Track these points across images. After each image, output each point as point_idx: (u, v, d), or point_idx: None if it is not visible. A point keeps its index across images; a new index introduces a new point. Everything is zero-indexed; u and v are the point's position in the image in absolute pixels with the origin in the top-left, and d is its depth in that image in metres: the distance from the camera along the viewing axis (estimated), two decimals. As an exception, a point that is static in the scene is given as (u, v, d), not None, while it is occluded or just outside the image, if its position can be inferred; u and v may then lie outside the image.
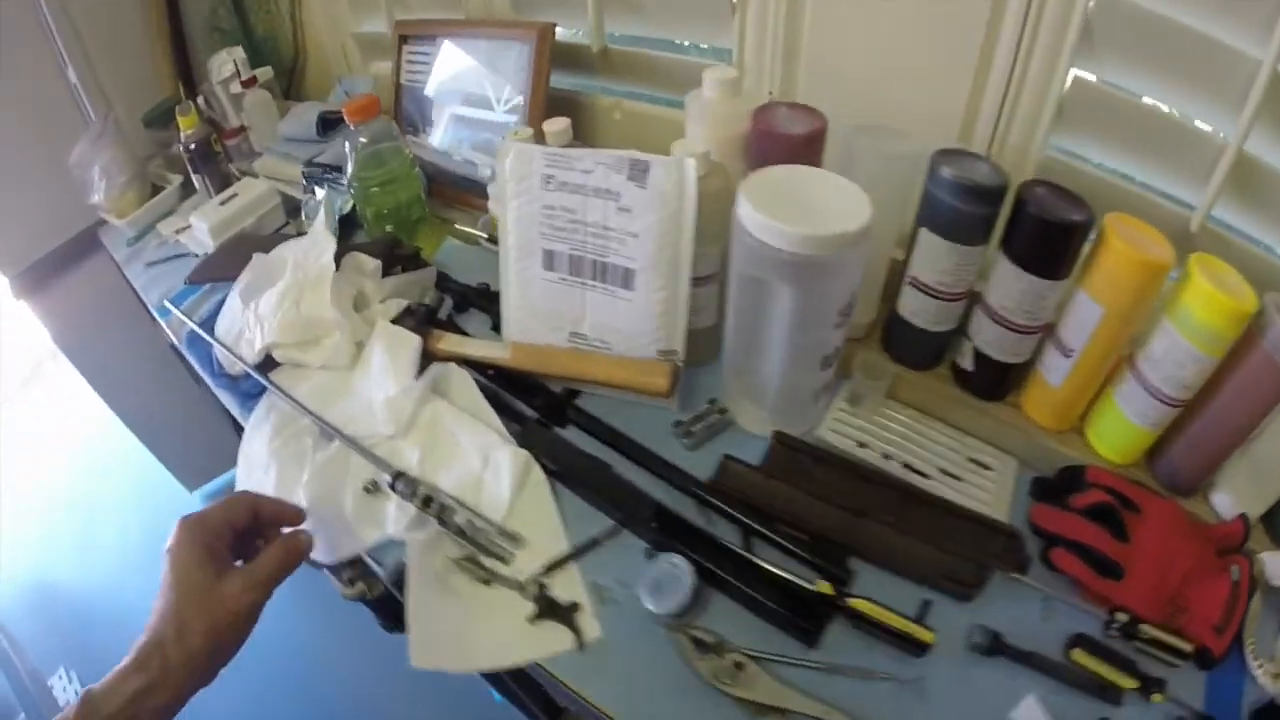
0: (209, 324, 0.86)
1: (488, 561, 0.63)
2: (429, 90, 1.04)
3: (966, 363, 0.69)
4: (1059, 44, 0.63)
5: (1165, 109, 0.64)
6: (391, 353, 0.75)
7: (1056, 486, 0.65)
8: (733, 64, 0.82)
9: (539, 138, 0.79)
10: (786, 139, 0.64)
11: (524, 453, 0.67)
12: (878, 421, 0.70)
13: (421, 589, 0.60)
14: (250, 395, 0.81)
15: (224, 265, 0.90)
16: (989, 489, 0.66)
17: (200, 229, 0.97)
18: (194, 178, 1.05)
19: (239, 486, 0.76)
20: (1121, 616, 0.57)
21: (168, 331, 0.92)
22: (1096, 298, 0.60)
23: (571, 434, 0.72)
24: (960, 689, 0.55)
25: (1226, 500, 0.62)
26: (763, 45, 0.78)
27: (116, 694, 0.47)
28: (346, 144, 0.85)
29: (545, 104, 0.89)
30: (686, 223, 0.63)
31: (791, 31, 0.76)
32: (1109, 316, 0.59)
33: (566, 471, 0.67)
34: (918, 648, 0.56)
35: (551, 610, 0.59)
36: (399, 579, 0.64)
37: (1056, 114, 0.66)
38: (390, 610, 0.92)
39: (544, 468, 0.68)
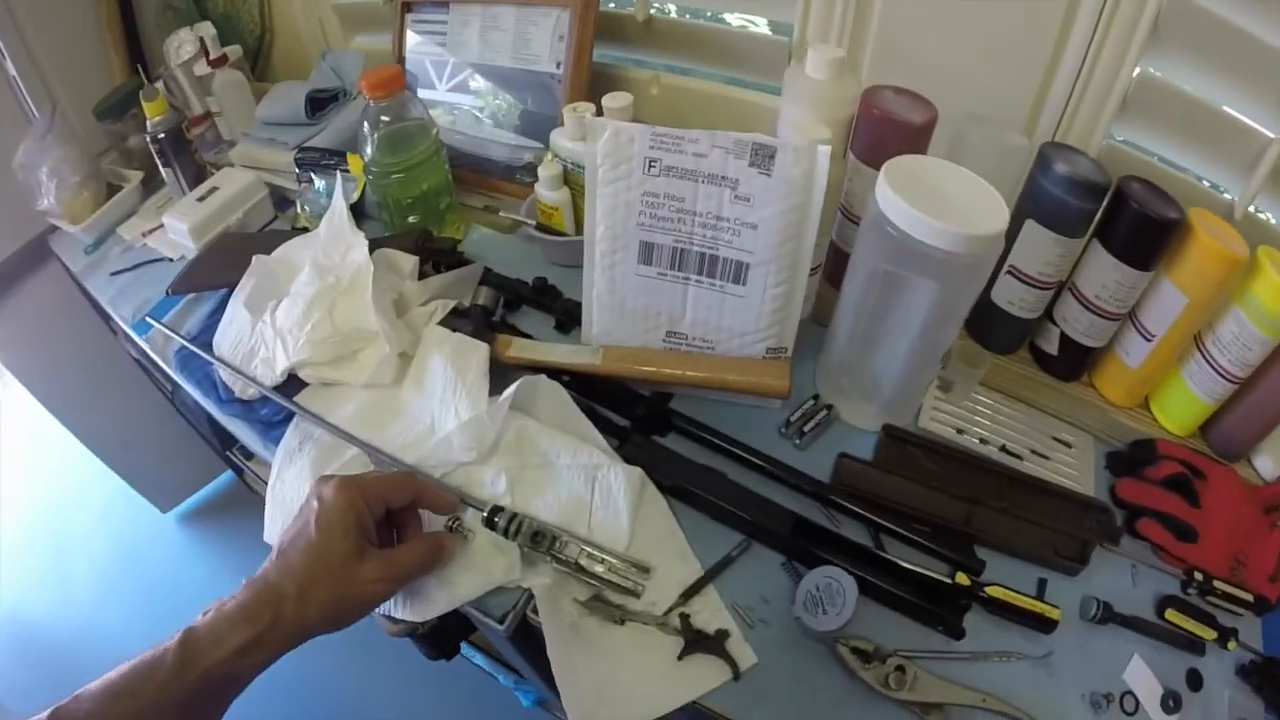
0: (203, 340, 0.68)
1: (616, 598, 0.53)
2: (440, 63, 0.87)
3: (1051, 346, 0.67)
4: (1129, 39, 0.61)
5: (1218, 105, 0.64)
6: (456, 364, 0.62)
7: (1130, 459, 0.65)
8: (793, 38, 0.74)
9: (598, 114, 0.68)
10: (903, 126, 0.58)
11: (637, 470, 0.57)
12: (967, 406, 0.67)
13: (562, 648, 0.50)
14: (271, 424, 0.65)
15: (215, 271, 0.71)
16: (1074, 465, 0.64)
17: (177, 230, 0.76)
18: (164, 172, 0.83)
19: (268, 533, 0.61)
20: (1198, 576, 0.59)
21: (148, 350, 0.72)
22: (1182, 288, 0.59)
23: (671, 442, 0.62)
24: (1081, 658, 0.55)
25: (1268, 463, 0.64)
26: (829, 22, 0.71)
27: (221, 644, 0.42)
28: (365, 124, 0.69)
29: (589, 77, 0.77)
30: (813, 214, 0.55)
31: (862, 6, 0.69)
32: (1192, 305, 0.59)
33: (681, 485, 0.58)
34: (1047, 625, 0.54)
35: (700, 642, 0.51)
36: (517, 632, 0.54)
37: (1120, 105, 0.66)
38: (437, 641, 0.80)
39: (656, 484, 0.58)
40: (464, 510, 0.55)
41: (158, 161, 0.83)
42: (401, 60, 0.88)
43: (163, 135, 0.80)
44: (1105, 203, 0.60)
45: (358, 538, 0.46)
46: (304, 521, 0.46)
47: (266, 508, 0.62)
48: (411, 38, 0.88)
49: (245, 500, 1.52)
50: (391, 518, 0.52)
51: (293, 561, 0.44)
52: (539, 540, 0.53)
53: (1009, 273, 0.64)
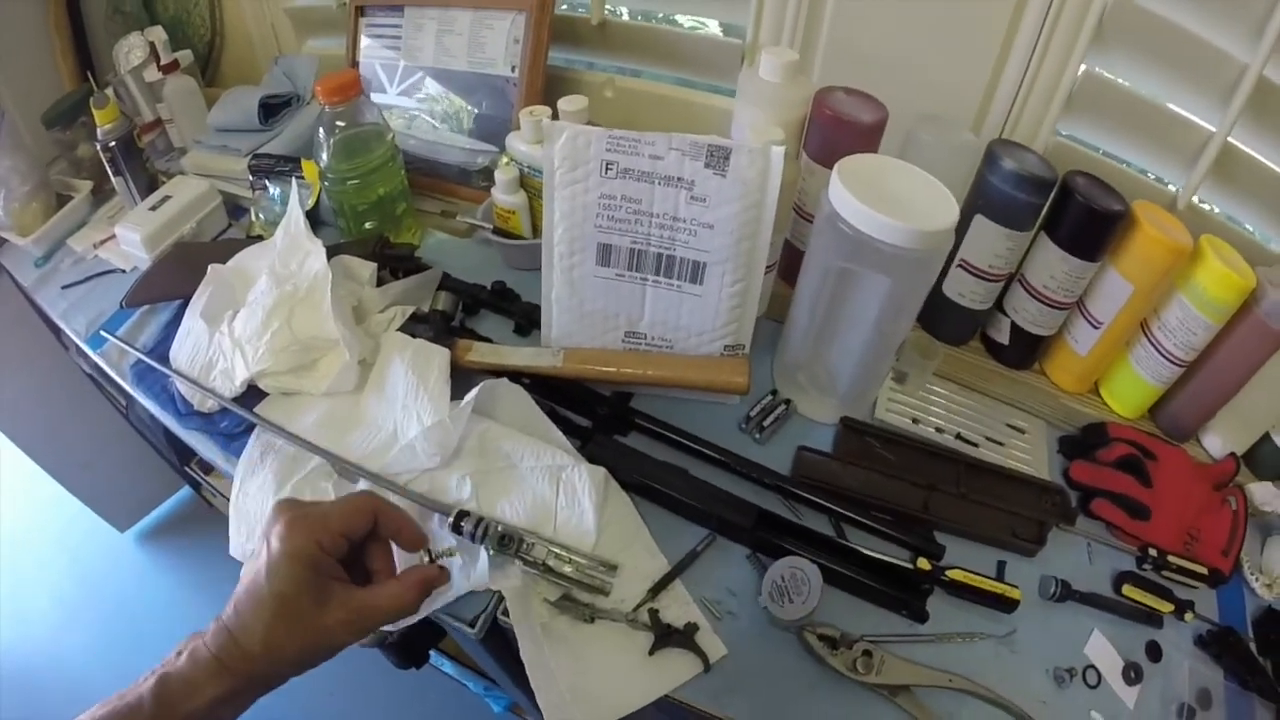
0: (159, 352, 0.68)
1: (585, 596, 0.54)
2: (394, 68, 0.87)
3: (1002, 336, 0.70)
4: (1074, 38, 0.64)
5: (1161, 101, 0.67)
6: (418, 370, 0.62)
7: (1083, 443, 0.68)
8: (747, 40, 0.76)
9: (554, 118, 0.69)
10: (855, 126, 0.60)
11: (600, 469, 0.58)
12: (922, 397, 0.69)
13: (534, 649, 0.51)
14: (232, 436, 0.64)
15: (170, 282, 0.71)
16: (1028, 451, 0.67)
17: (130, 240, 0.75)
18: (115, 180, 0.82)
19: (233, 549, 0.61)
20: (1153, 552, 0.62)
21: (102, 365, 0.71)
22: (1128, 277, 0.62)
23: (633, 441, 0.64)
24: (1042, 635, 0.57)
25: (1217, 442, 0.68)
26: (781, 23, 0.73)
27: (197, 693, 0.40)
28: (320, 129, 0.69)
29: (544, 80, 0.78)
30: (768, 213, 0.56)
31: (814, 8, 0.71)
32: (1137, 293, 0.62)
33: (644, 483, 0.60)
34: (1008, 605, 0.57)
35: (669, 636, 0.52)
36: (488, 635, 0.55)
37: (1066, 102, 0.68)
38: (406, 650, 0.80)
39: (620, 482, 0.60)
40: (438, 540, 0.54)
41: (109, 170, 0.81)
42: (355, 64, 0.88)
43: (114, 143, 0.78)
44: (1052, 197, 0.62)
45: (315, 586, 0.42)
46: (256, 572, 0.43)
47: (230, 521, 0.62)
48: (365, 41, 0.88)
49: (203, 516, 1.51)
50: (358, 548, 0.47)
51: (249, 620, 0.42)
52: (506, 543, 0.54)
53: (960, 266, 0.66)
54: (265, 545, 0.43)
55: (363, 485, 0.59)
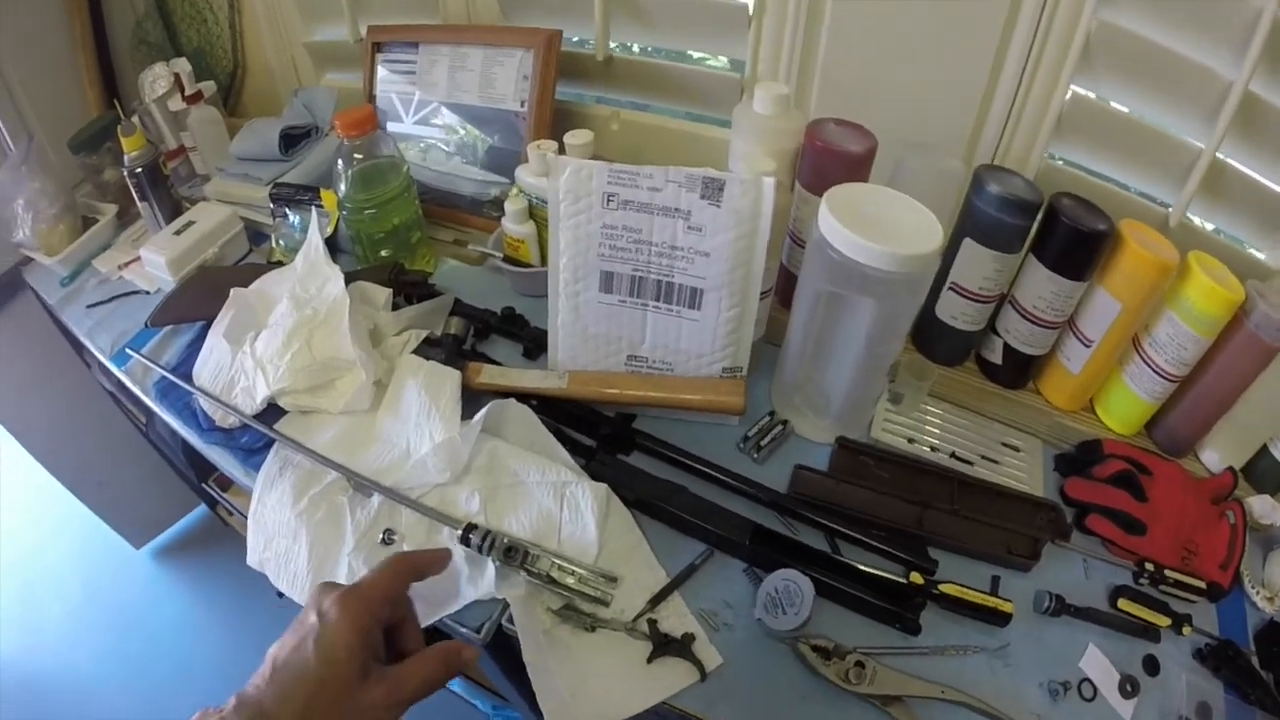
0: (182, 370, 0.74)
1: (587, 606, 0.59)
2: (408, 101, 0.95)
3: (995, 356, 0.74)
4: (1061, 62, 0.69)
5: (1149, 121, 0.71)
6: (430, 390, 0.68)
7: (1078, 460, 0.72)
8: (745, 75, 0.82)
9: (560, 151, 0.76)
10: (845, 156, 0.65)
11: (603, 486, 0.64)
12: (917, 417, 0.74)
13: (536, 653, 0.56)
14: (251, 451, 0.70)
15: (194, 303, 0.78)
16: (1023, 468, 0.71)
17: (155, 263, 0.83)
18: (140, 205, 0.89)
19: (250, 558, 0.66)
20: (1149, 566, 0.65)
21: (126, 382, 0.78)
22: (1116, 295, 0.66)
23: (635, 460, 0.69)
24: (1037, 649, 0.60)
25: (1214, 456, 0.71)
26: (778, 56, 0.78)
27: None
28: (339, 161, 0.76)
29: (552, 115, 0.84)
30: (761, 241, 0.61)
31: (809, 43, 0.76)
32: (1126, 311, 0.66)
33: (645, 499, 0.65)
34: (1001, 619, 0.60)
35: (667, 646, 0.57)
36: (492, 642, 0.60)
37: (1056, 125, 0.73)
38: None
39: (622, 499, 0.65)
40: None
41: (135, 195, 0.89)
42: (372, 98, 0.96)
43: (140, 170, 0.85)
44: (1038, 219, 0.67)
45: (362, 660, 0.42)
46: (301, 640, 0.42)
47: (249, 531, 0.67)
48: (382, 75, 0.95)
49: (218, 534, 1.58)
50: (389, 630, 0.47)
51: (290, 690, 0.41)
52: (512, 555, 0.59)
53: (951, 289, 0.71)
54: (314, 614, 0.43)
55: (377, 499, 0.65)
